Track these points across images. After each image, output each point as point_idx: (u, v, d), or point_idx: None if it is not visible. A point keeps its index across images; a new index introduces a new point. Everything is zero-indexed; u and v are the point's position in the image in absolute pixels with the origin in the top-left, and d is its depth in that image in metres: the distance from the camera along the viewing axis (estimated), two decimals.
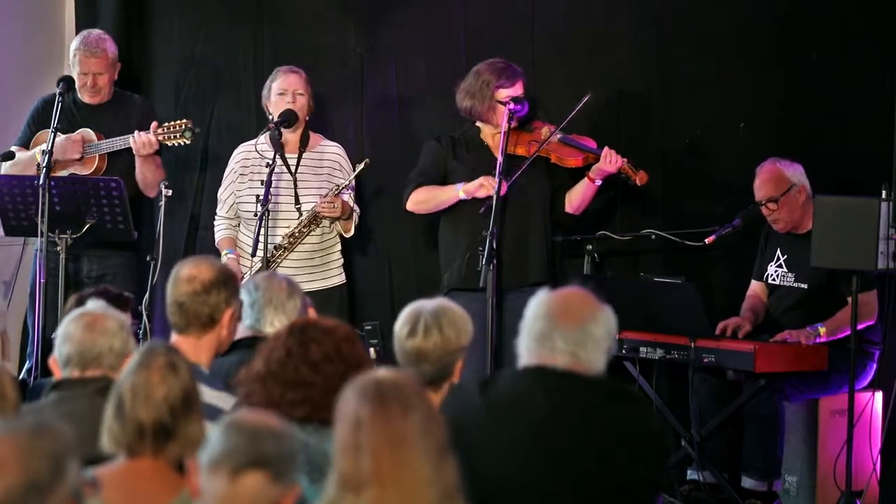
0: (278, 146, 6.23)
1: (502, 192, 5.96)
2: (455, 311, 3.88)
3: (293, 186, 6.28)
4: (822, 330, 5.82)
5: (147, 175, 6.38)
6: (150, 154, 6.33)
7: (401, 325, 3.84)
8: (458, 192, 6.17)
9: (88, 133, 6.40)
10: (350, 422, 2.73)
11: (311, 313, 4.54)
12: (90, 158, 6.36)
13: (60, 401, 3.68)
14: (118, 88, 6.62)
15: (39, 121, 6.53)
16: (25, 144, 6.50)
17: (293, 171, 6.31)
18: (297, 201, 6.26)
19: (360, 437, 2.71)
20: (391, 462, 2.68)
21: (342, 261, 6.46)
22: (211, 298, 3.99)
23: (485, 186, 6.06)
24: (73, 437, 2.40)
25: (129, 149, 6.32)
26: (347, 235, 6.39)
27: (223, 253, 6.35)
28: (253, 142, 6.36)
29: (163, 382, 3.09)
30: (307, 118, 6.40)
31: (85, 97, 6.47)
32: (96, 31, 6.59)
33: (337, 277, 6.43)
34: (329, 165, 6.36)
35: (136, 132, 6.30)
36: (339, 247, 6.43)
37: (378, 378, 2.80)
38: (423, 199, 6.28)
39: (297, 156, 6.34)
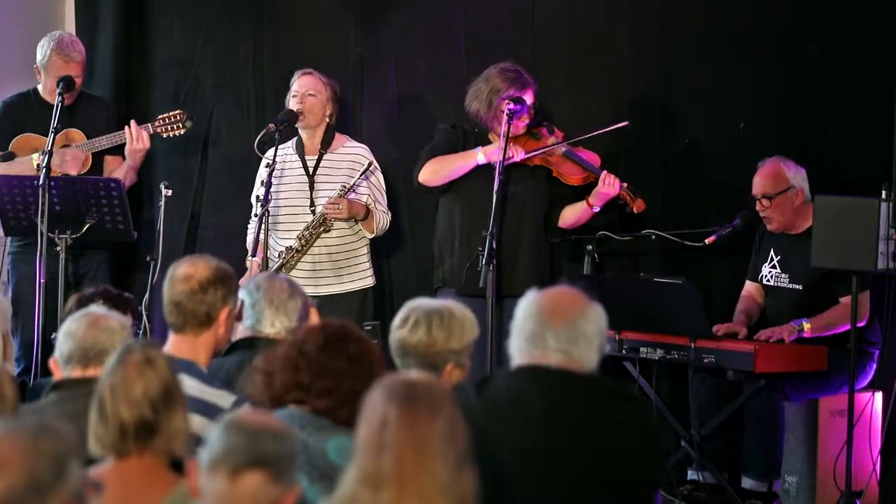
0: (299, 148, 6.26)
1: (514, 158, 5.94)
2: (455, 315, 3.81)
3: (309, 189, 6.26)
4: (806, 326, 5.81)
5: (132, 179, 6.39)
6: (143, 150, 6.32)
7: (397, 317, 3.84)
8: (478, 154, 6.13)
9: (75, 133, 6.39)
10: (376, 420, 2.72)
11: (313, 313, 4.54)
12: (84, 157, 6.37)
13: (60, 401, 3.68)
14: (82, 90, 6.59)
15: (3, 124, 6.51)
16: None
17: (311, 172, 6.28)
18: (311, 203, 6.24)
19: (385, 435, 2.69)
20: (413, 464, 2.67)
21: (368, 264, 6.36)
22: (208, 297, 3.99)
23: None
24: (76, 437, 2.40)
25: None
26: (371, 236, 6.30)
27: (249, 255, 6.30)
28: (284, 144, 6.25)
29: (140, 378, 3.08)
30: (328, 119, 6.35)
31: (51, 98, 6.39)
32: (67, 34, 6.60)
33: (359, 281, 6.33)
34: (348, 166, 6.28)
35: (131, 122, 6.29)
36: (365, 250, 6.34)
37: (408, 379, 2.79)
38: (437, 168, 6.20)
39: (315, 157, 6.32)
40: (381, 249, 6.79)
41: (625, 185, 6.11)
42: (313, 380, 3.46)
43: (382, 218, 6.29)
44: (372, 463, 2.69)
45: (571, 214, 6.26)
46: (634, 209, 6.15)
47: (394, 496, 2.65)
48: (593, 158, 6.24)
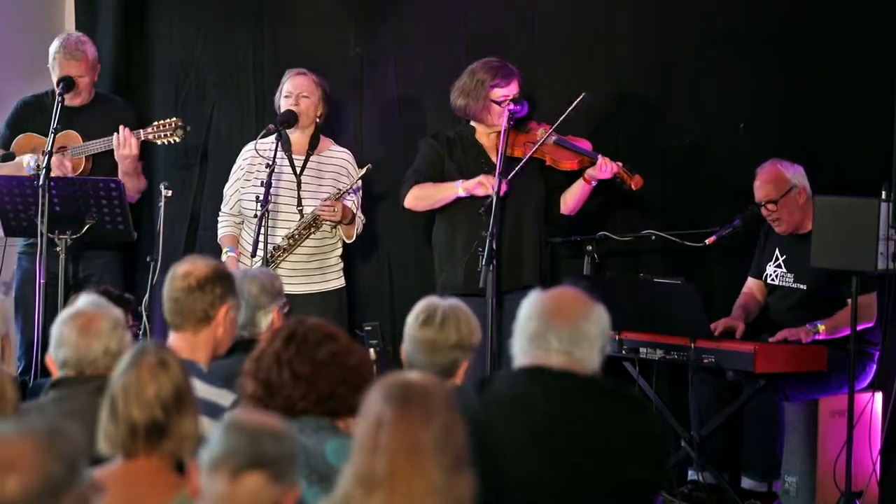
0: (286, 147, 6.24)
1: (502, 192, 5.96)
2: (467, 310, 3.92)
3: (296, 188, 6.27)
4: (821, 328, 5.82)
5: (128, 185, 6.34)
6: (129, 156, 6.29)
7: (415, 316, 3.86)
8: (458, 189, 6.17)
9: (72, 135, 6.39)
10: (372, 421, 2.71)
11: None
12: (76, 160, 6.36)
13: (60, 399, 3.69)
14: (98, 91, 6.60)
15: (17, 123, 6.52)
16: (4, 146, 6.49)
17: (298, 172, 6.29)
18: (299, 203, 6.26)
19: (379, 437, 2.69)
20: (405, 467, 2.66)
21: (342, 265, 6.43)
22: (205, 295, 4.01)
23: (483, 185, 6.06)
24: (84, 437, 2.41)
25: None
26: (349, 241, 6.36)
27: (224, 250, 6.34)
28: (262, 141, 6.27)
29: (153, 380, 3.10)
30: (318, 121, 6.36)
31: (65, 99, 6.42)
32: (76, 34, 6.59)
33: (336, 281, 6.40)
34: (335, 170, 6.33)
35: (119, 127, 6.27)
36: (339, 251, 6.41)
37: (406, 381, 2.78)
38: (421, 196, 6.28)
39: (303, 158, 6.33)
40: (382, 248, 6.81)
41: (619, 164, 6.10)
42: (286, 389, 3.42)
43: (359, 224, 6.33)
44: (366, 463, 2.69)
45: (572, 197, 6.26)
46: (633, 186, 6.14)
47: (386, 498, 2.65)
48: (584, 144, 6.24)
